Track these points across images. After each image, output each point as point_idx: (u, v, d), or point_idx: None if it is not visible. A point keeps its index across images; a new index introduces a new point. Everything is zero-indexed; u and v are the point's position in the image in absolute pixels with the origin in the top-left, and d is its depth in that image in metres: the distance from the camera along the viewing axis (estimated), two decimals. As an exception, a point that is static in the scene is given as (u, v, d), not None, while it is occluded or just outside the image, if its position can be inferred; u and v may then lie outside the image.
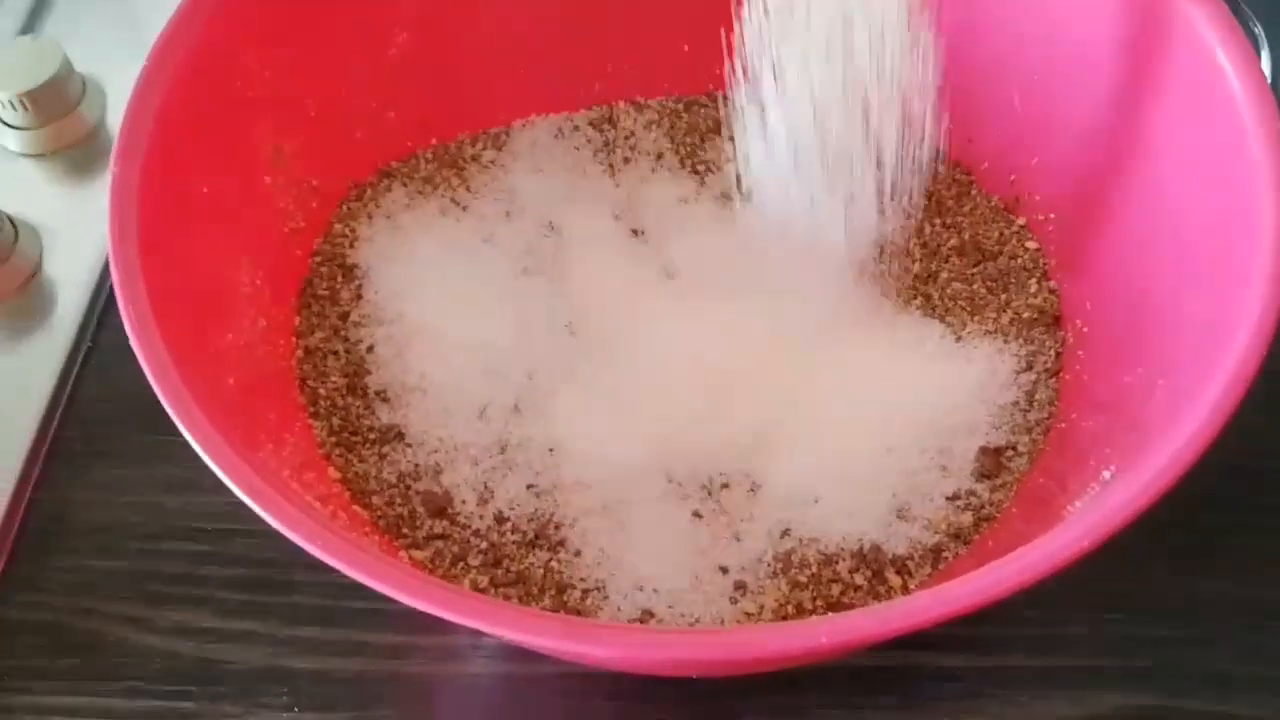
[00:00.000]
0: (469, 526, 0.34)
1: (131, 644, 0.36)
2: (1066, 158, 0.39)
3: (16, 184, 0.46)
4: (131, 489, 0.39)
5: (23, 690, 0.35)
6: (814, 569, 0.34)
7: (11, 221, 0.44)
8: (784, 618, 0.33)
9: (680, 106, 0.45)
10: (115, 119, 0.47)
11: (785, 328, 0.39)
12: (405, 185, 0.42)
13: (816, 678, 0.34)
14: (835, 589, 0.33)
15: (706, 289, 0.40)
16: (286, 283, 0.38)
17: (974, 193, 0.42)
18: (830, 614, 0.31)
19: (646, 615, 0.33)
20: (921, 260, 0.40)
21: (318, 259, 0.40)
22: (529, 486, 0.35)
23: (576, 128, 0.44)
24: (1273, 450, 0.38)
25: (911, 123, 0.35)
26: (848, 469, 0.36)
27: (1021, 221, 0.41)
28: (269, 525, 0.25)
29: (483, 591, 0.33)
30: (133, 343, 0.28)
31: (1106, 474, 0.30)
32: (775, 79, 0.35)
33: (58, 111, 0.47)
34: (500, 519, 0.35)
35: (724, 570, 0.34)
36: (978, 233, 0.41)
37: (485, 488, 0.35)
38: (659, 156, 0.44)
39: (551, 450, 0.36)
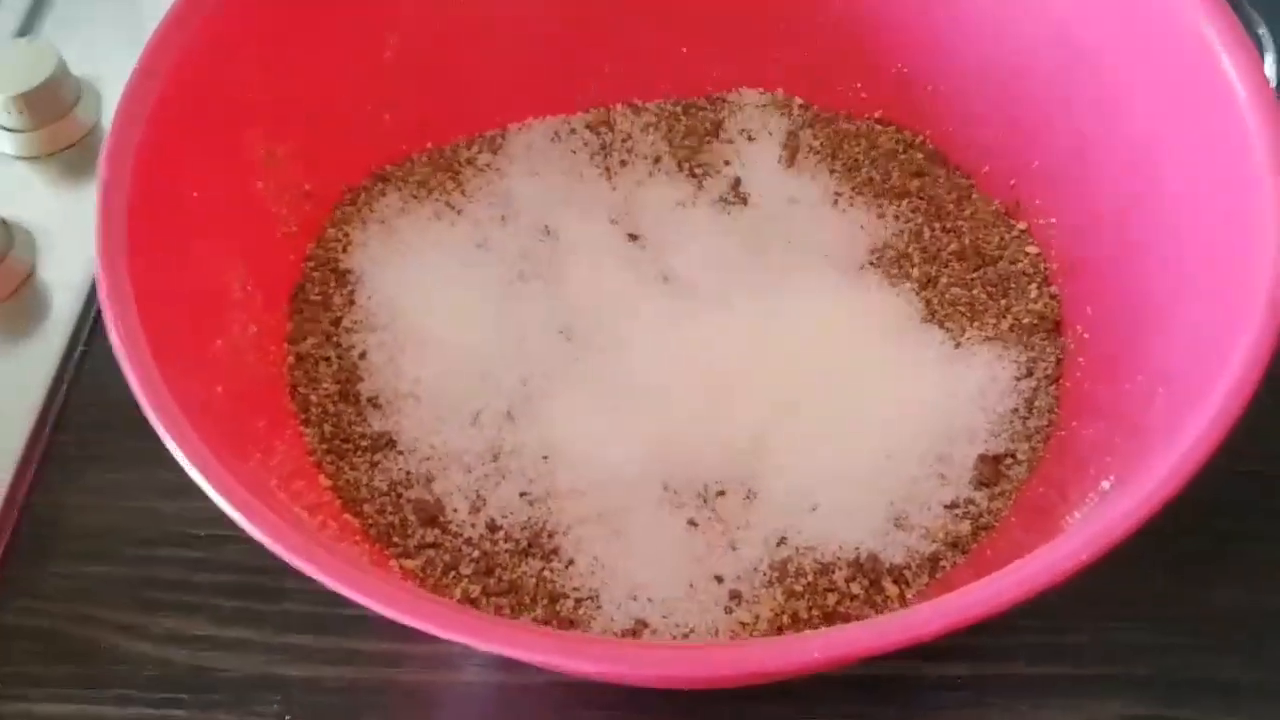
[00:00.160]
0: (461, 535, 0.34)
1: (124, 651, 0.36)
2: (1068, 162, 0.39)
3: (11, 187, 0.46)
4: (125, 494, 0.39)
5: (16, 697, 0.35)
6: (810, 578, 0.33)
7: (6, 225, 0.43)
8: (779, 628, 0.32)
9: (678, 109, 0.44)
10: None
11: (783, 333, 0.38)
12: (399, 189, 0.42)
13: (814, 687, 0.34)
14: (831, 598, 0.33)
15: (704, 294, 0.40)
16: (278, 288, 0.38)
17: (974, 197, 0.42)
18: (824, 628, 0.31)
19: (640, 625, 0.32)
20: (921, 265, 0.40)
21: (310, 264, 0.39)
22: (522, 494, 0.35)
23: (573, 130, 0.44)
24: (1281, 455, 0.37)
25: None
26: (845, 476, 0.35)
27: (1022, 226, 0.41)
28: (256, 535, 0.25)
29: (474, 601, 0.32)
30: (117, 351, 0.28)
31: (1106, 484, 0.29)
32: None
33: (53, 114, 0.47)
34: (493, 527, 0.34)
35: (719, 579, 0.33)
36: (978, 237, 0.41)
37: (478, 495, 0.35)
38: (656, 159, 0.43)
39: (545, 457, 0.36)
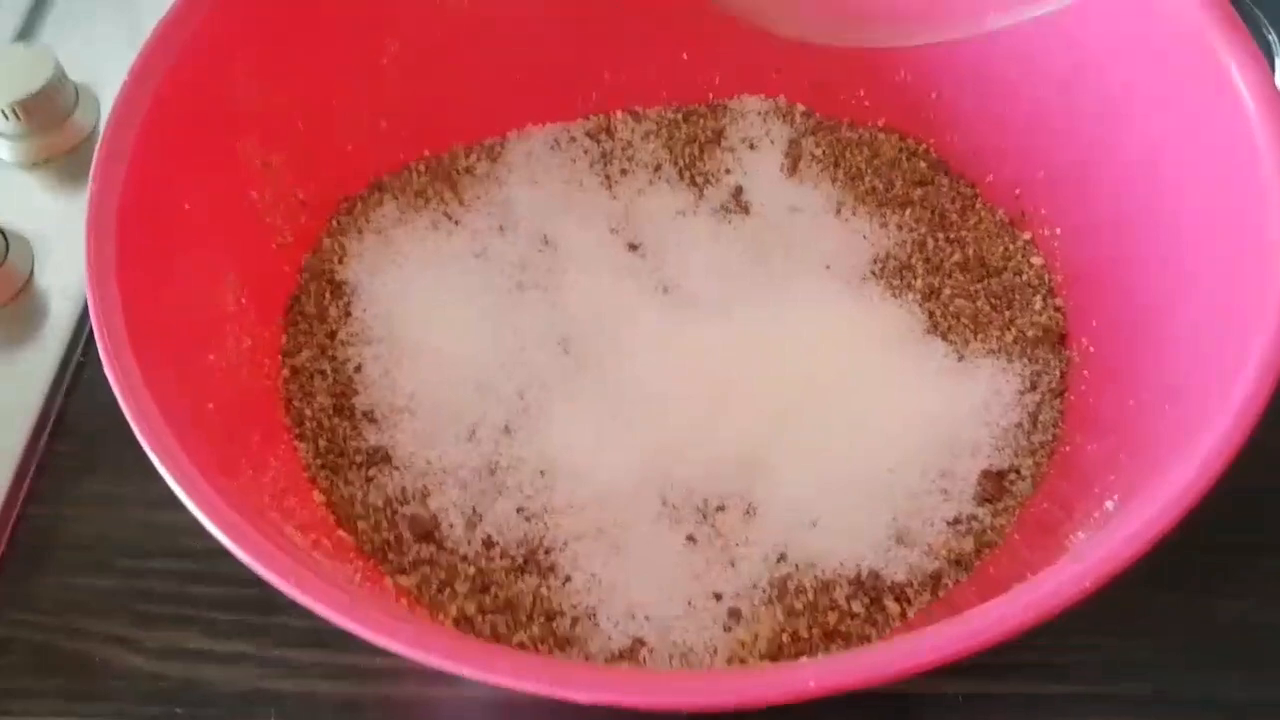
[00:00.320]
0: (456, 551, 0.34)
1: (119, 665, 0.35)
2: (1074, 172, 0.38)
3: (8, 193, 0.46)
4: (122, 505, 0.38)
5: (7, 712, 0.35)
6: (810, 596, 0.33)
7: (3, 232, 0.43)
8: (779, 646, 0.32)
9: (679, 116, 0.44)
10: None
11: (784, 345, 0.38)
12: (397, 198, 0.41)
13: (811, 703, 0.33)
14: (832, 617, 0.32)
15: (704, 305, 0.39)
16: (273, 300, 0.37)
17: (978, 206, 0.41)
18: (823, 656, 0.31)
19: (638, 644, 0.32)
20: (924, 276, 0.40)
21: (306, 275, 0.39)
22: (519, 510, 0.35)
23: (573, 138, 0.43)
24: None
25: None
26: (846, 491, 0.35)
27: (1027, 236, 0.40)
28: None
29: (470, 619, 0.32)
30: (105, 366, 0.27)
31: (1110, 502, 0.29)
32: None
33: (50, 120, 0.46)
34: (489, 543, 0.34)
35: (718, 597, 0.33)
36: (982, 248, 0.40)
37: (474, 511, 0.34)
38: (657, 168, 0.43)
39: (543, 472, 0.35)
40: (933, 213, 0.41)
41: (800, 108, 0.44)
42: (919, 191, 0.42)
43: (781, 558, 0.34)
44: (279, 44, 0.37)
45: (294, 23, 0.37)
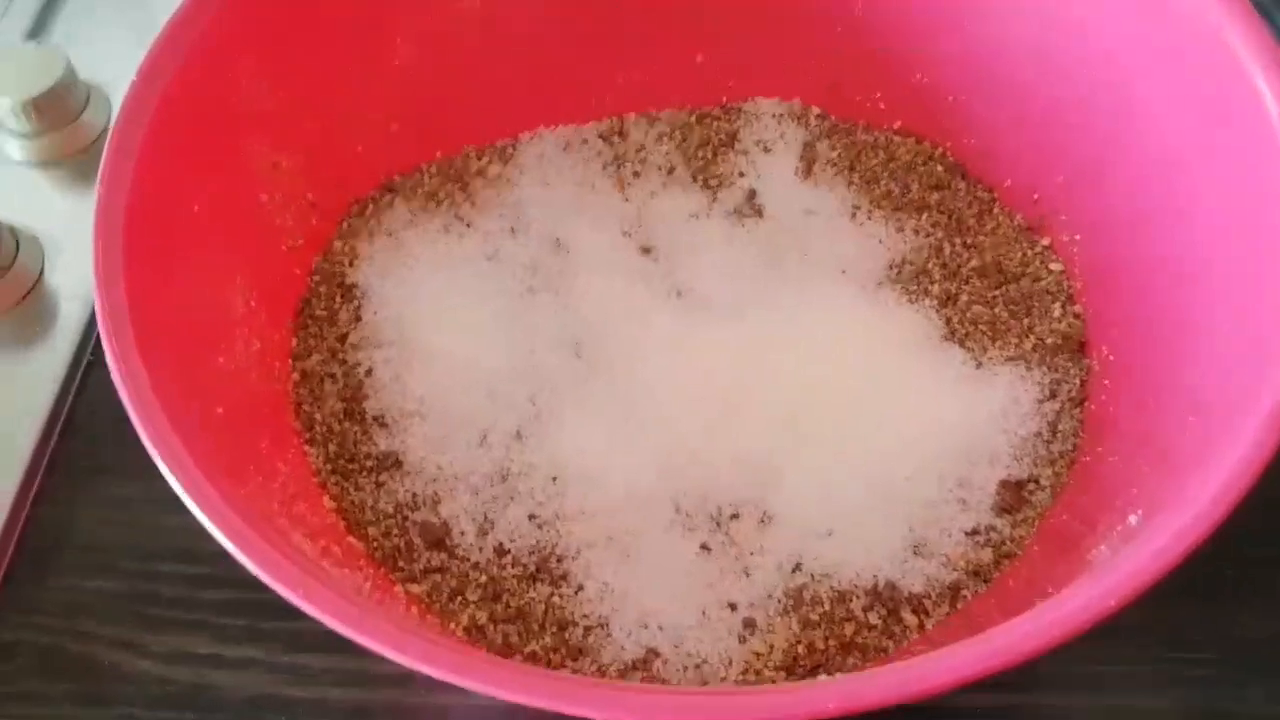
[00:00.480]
0: (468, 559, 0.33)
1: (127, 669, 0.35)
2: (1093, 176, 0.37)
3: (19, 193, 0.46)
4: (131, 506, 0.38)
5: (15, 716, 0.34)
6: (826, 606, 0.32)
7: (13, 231, 0.43)
8: (794, 658, 0.31)
9: (693, 119, 0.44)
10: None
11: (799, 350, 0.38)
12: (408, 200, 0.41)
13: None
14: (849, 628, 0.32)
15: (718, 309, 0.39)
16: (283, 303, 0.37)
17: (996, 211, 0.41)
18: (838, 671, 0.30)
19: (651, 655, 0.32)
20: (941, 281, 0.39)
21: (316, 278, 0.39)
22: (531, 517, 0.34)
23: (585, 140, 0.43)
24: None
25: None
26: (863, 500, 0.34)
27: (1045, 242, 0.40)
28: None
29: (481, 628, 0.32)
30: (113, 372, 0.27)
31: (1134, 517, 0.28)
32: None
33: (61, 119, 0.46)
34: (500, 551, 0.34)
35: (732, 607, 0.33)
36: (1000, 253, 0.40)
37: (485, 518, 0.34)
38: (670, 170, 0.42)
39: (555, 479, 0.35)
40: (949, 217, 0.41)
41: (815, 110, 0.44)
42: (935, 196, 0.41)
43: (797, 567, 0.33)
44: (289, 44, 0.36)
45: (304, 23, 0.37)
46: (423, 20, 0.39)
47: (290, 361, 0.37)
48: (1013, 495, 0.34)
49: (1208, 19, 0.32)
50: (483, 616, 0.32)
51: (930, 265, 0.39)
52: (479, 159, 0.42)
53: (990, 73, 0.40)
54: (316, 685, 0.34)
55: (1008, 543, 0.33)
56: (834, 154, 0.42)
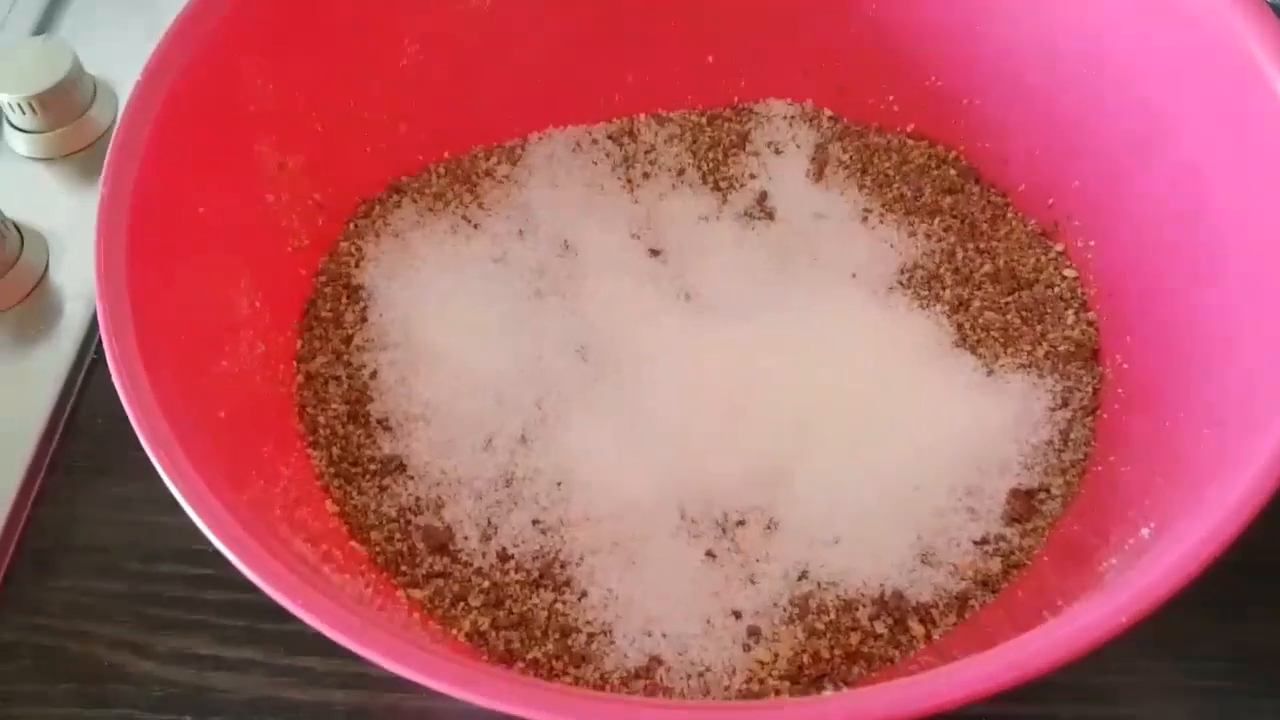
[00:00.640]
0: (471, 564, 0.33)
1: (128, 670, 0.35)
2: (1109, 181, 0.37)
3: (24, 189, 0.45)
4: (133, 507, 0.38)
5: (17, 717, 0.34)
6: (832, 615, 0.32)
7: (18, 228, 0.43)
8: (799, 667, 0.31)
9: (703, 120, 0.43)
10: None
11: (808, 355, 0.37)
12: (415, 201, 0.41)
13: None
14: (854, 638, 0.32)
15: (726, 313, 0.38)
16: (288, 305, 0.37)
17: (1010, 216, 0.40)
18: (843, 683, 0.30)
19: (655, 663, 0.31)
20: (953, 286, 0.39)
21: (322, 279, 0.38)
22: (535, 522, 0.34)
23: (595, 141, 0.43)
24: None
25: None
26: (870, 507, 0.34)
27: (1060, 248, 0.39)
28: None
29: (483, 635, 0.31)
30: (114, 377, 0.27)
31: (1146, 531, 0.28)
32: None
33: (67, 115, 0.46)
34: (504, 556, 0.33)
35: (737, 615, 0.32)
36: (1013, 259, 0.39)
37: (489, 523, 0.34)
38: (680, 172, 0.42)
39: (559, 484, 0.35)
40: (962, 222, 0.40)
41: (827, 112, 0.43)
42: (948, 200, 0.41)
43: (803, 575, 0.33)
44: (296, 43, 0.36)
45: (311, 21, 0.36)
46: (431, 19, 0.39)
47: (295, 364, 0.36)
48: (1023, 504, 0.34)
49: (1225, 22, 0.31)
50: (485, 623, 0.32)
51: (942, 270, 0.39)
52: (487, 159, 0.42)
53: (1004, 76, 0.39)
54: (318, 688, 0.34)
55: (1017, 553, 0.33)
56: (846, 156, 0.42)
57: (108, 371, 0.40)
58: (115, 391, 0.39)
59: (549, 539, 0.33)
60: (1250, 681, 0.33)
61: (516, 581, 0.33)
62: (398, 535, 0.33)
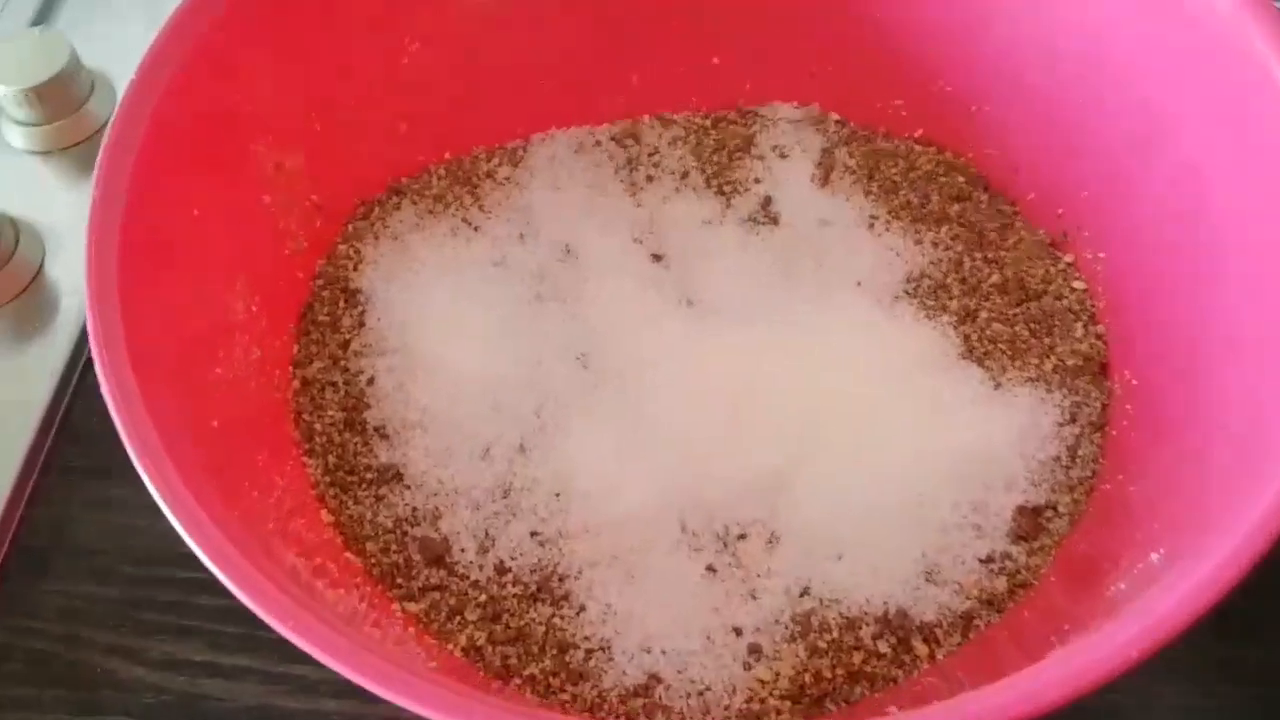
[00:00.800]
0: (467, 577, 0.33)
1: (120, 676, 0.35)
2: (1120, 191, 0.36)
3: (20, 182, 0.45)
4: (127, 509, 0.37)
5: (6, 722, 0.34)
6: (835, 634, 0.32)
7: (14, 222, 0.42)
8: (801, 686, 0.31)
9: (708, 123, 0.43)
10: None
11: (811, 365, 0.37)
12: (415, 203, 0.40)
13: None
14: (857, 657, 0.31)
15: (729, 319, 0.38)
16: (285, 309, 0.36)
17: (1018, 225, 0.40)
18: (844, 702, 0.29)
19: (653, 680, 0.31)
20: (960, 297, 0.38)
21: (319, 282, 0.38)
22: (533, 534, 0.33)
23: (598, 143, 0.42)
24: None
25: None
26: (874, 522, 0.33)
27: (1069, 259, 0.39)
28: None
29: (479, 650, 0.31)
30: (103, 387, 0.26)
31: (1156, 556, 0.27)
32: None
33: (64, 108, 0.46)
34: (501, 569, 0.33)
35: (738, 632, 0.32)
36: (1021, 269, 0.39)
37: (486, 535, 0.33)
38: (684, 175, 0.41)
39: (558, 494, 0.34)
40: (970, 230, 0.40)
41: (834, 116, 0.43)
42: (956, 207, 0.40)
43: (805, 591, 0.32)
44: (295, 40, 0.35)
45: (311, 20, 0.36)
46: (432, 17, 0.39)
47: (291, 369, 0.36)
48: (1029, 522, 0.33)
49: (1225, 22, 0.31)
50: (481, 637, 0.31)
51: (949, 280, 0.38)
52: (488, 161, 0.41)
53: (1013, 82, 0.39)
54: (312, 696, 0.34)
55: (1023, 572, 0.32)
56: (852, 162, 0.41)
57: (103, 371, 0.40)
58: (110, 392, 0.39)
59: (547, 551, 0.33)
60: (1263, 701, 0.33)
61: (514, 595, 0.32)
62: (394, 547, 0.33)
